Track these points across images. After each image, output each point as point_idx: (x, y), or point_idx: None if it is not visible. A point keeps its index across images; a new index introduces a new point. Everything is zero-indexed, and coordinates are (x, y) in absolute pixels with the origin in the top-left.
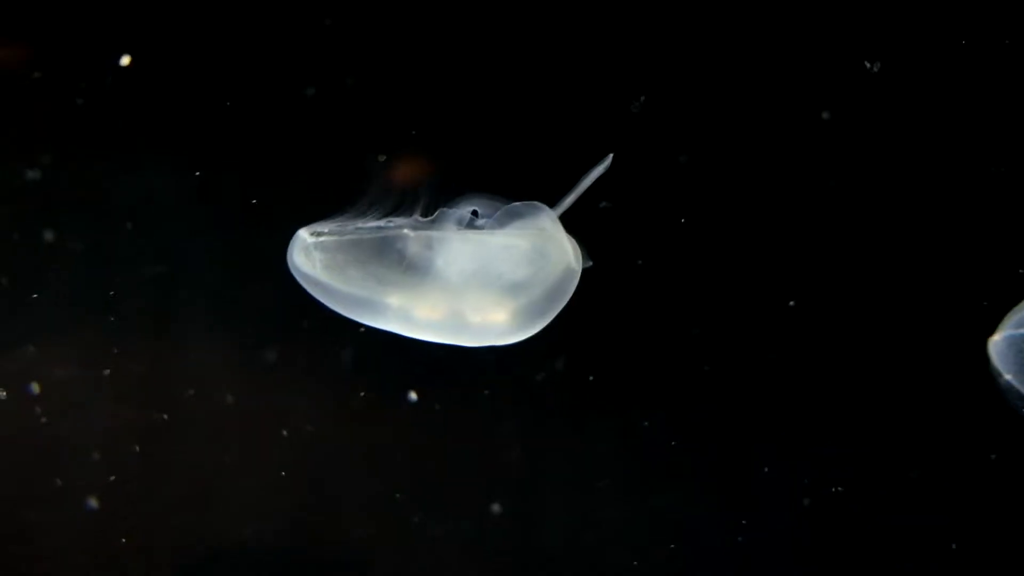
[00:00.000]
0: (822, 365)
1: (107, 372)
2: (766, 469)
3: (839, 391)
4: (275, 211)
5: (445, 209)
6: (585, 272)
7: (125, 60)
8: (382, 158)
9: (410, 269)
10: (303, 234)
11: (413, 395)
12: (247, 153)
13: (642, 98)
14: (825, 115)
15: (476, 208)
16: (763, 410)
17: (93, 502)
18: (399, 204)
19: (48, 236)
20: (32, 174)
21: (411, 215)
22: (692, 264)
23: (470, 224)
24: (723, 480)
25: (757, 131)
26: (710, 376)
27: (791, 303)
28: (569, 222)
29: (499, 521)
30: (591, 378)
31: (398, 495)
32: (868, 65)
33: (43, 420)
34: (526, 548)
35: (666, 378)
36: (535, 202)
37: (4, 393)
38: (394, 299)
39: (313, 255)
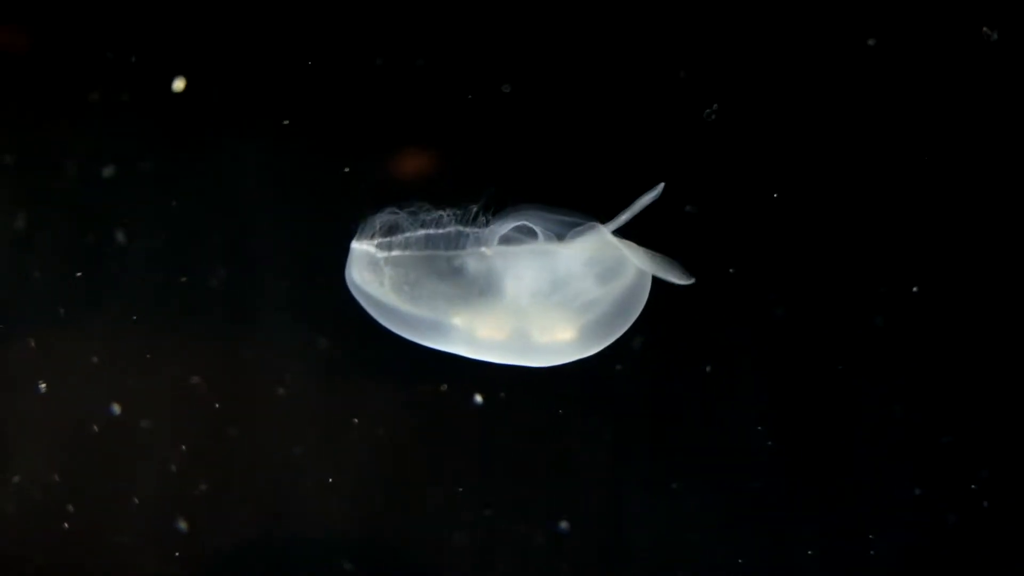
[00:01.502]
0: (963, 359)
1: (194, 378)
2: (916, 490)
3: (985, 389)
4: (343, 208)
5: (502, 224)
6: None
7: (179, 85)
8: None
9: (479, 285)
10: (367, 248)
11: (479, 397)
12: (314, 148)
13: (715, 105)
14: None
15: (533, 224)
16: (894, 414)
17: (167, 498)
18: (457, 218)
19: (120, 237)
20: (107, 172)
21: (471, 228)
22: (796, 260)
23: (530, 239)
24: (851, 488)
25: (850, 131)
26: (842, 374)
27: (915, 289)
28: (653, 233)
29: (587, 520)
30: (708, 369)
31: (460, 489)
32: (988, 32)
33: (115, 418)
34: (615, 547)
35: (781, 378)
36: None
37: (44, 385)
38: (459, 319)
39: (383, 271)
